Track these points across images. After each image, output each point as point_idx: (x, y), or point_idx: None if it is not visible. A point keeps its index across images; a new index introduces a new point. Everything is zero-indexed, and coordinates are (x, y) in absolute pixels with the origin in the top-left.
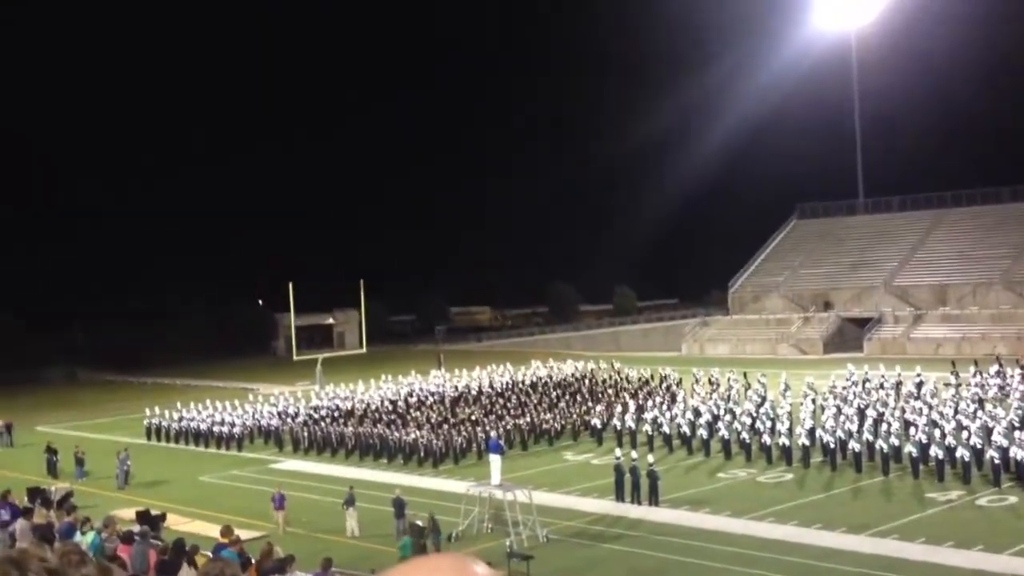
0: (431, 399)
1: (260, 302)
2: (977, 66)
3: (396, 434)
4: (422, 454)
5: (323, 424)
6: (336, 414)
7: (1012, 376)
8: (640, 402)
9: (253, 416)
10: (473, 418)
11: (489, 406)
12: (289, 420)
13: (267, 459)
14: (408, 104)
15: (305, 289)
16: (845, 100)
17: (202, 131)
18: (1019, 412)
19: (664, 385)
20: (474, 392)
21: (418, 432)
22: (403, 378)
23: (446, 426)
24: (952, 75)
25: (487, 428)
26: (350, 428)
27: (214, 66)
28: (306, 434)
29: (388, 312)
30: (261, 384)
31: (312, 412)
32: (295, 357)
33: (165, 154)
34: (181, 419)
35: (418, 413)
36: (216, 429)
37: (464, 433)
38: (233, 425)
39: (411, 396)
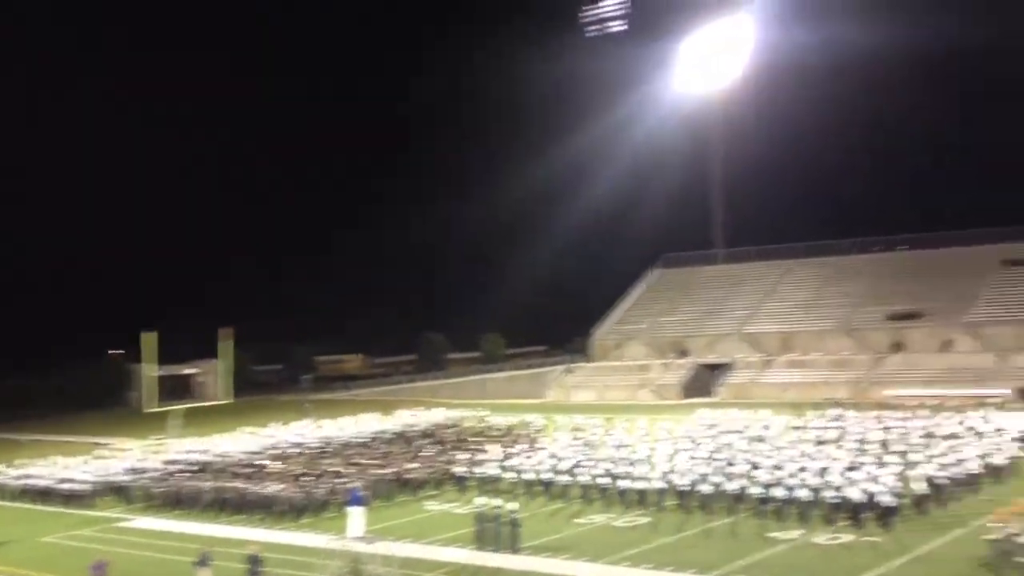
0: (292, 450)
1: (116, 353)
2: (827, 128)
3: (254, 487)
4: (281, 508)
5: (178, 478)
6: (193, 467)
7: (849, 419)
8: (504, 449)
9: (103, 471)
10: (335, 469)
11: (353, 456)
12: (141, 475)
13: (117, 517)
14: (273, 150)
15: (165, 339)
16: (705, 155)
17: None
18: (855, 454)
19: (527, 432)
20: (338, 442)
21: (277, 485)
22: (263, 429)
23: (306, 478)
24: (804, 136)
25: (350, 479)
26: (206, 482)
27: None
28: (160, 489)
29: (253, 361)
30: (114, 438)
31: (167, 466)
32: (151, 408)
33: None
34: (23, 476)
35: (278, 465)
36: (62, 486)
37: (326, 485)
38: (80, 481)
39: (271, 448)
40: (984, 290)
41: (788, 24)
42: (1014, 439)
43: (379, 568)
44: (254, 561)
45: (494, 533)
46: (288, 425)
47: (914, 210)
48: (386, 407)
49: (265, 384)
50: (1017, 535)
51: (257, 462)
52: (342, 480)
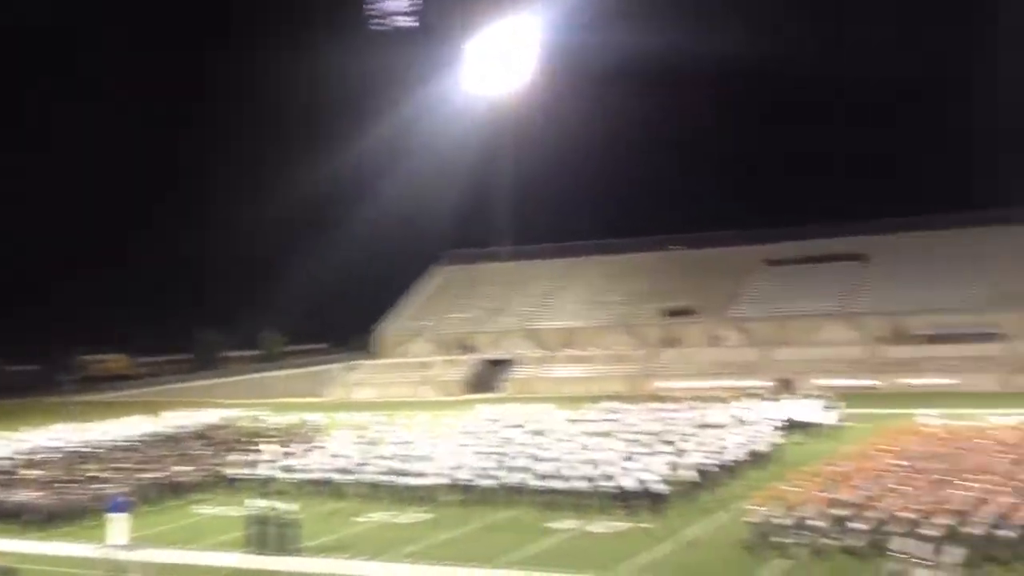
0: (49, 455)
1: None
2: (610, 130)
3: (2, 495)
4: (33, 516)
5: None
6: None
7: (625, 411)
8: (279, 449)
9: None
10: (96, 474)
11: (118, 460)
12: None
13: None
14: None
15: None
16: (492, 156)
17: None
18: (630, 444)
19: (304, 431)
20: (102, 446)
21: (31, 492)
22: (15, 433)
23: (60, 484)
24: (588, 137)
25: (114, 484)
26: None
27: None
28: None
29: (6, 361)
30: None
31: None
32: None
33: None
34: None
35: (32, 471)
36: None
37: (85, 491)
38: None
39: (27, 453)
40: (748, 288)
41: (574, 27)
42: (775, 427)
43: None
44: (5, 573)
45: (268, 535)
46: (47, 428)
47: (687, 211)
48: (156, 408)
49: (19, 386)
50: (775, 517)
51: (8, 467)
52: (105, 485)
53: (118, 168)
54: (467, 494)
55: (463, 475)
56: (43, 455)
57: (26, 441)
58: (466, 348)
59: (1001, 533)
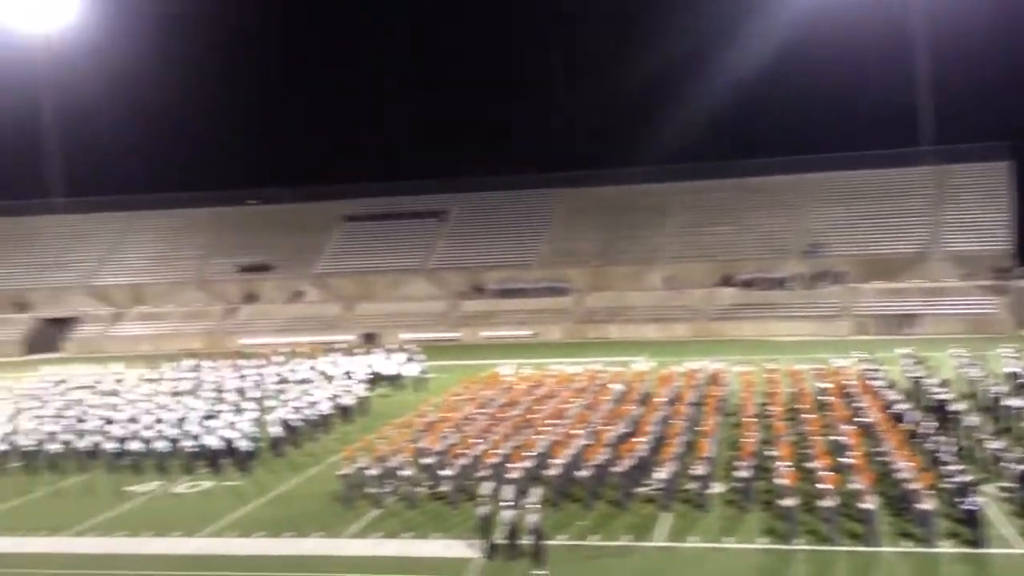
0: None
1: None
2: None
3: None
4: None
5: None
6: None
7: (205, 369)
8: None
9: None
10: None
11: None
12: None
13: None
14: None
15: None
16: (35, 100)
17: None
18: (211, 403)
19: None
20: None
21: None
22: None
23: None
24: (143, 79)
25: None
26: None
27: None
28: None
29: None
30: None
31: None
32: None
33: None
34: None
35: None
36: None
37: None
38: None
39: None
40: (329, 244)
41: None
42: (360, 381)
43: None
44: None
45: None
46: None
47: (261, 165)
48: None
49: None
50: (366, 468)
51: None
52: None
53: None
54: (31, 460)
55: (25, 440)
56: None
57: None
58: (20, 306)
59: (576, 474)
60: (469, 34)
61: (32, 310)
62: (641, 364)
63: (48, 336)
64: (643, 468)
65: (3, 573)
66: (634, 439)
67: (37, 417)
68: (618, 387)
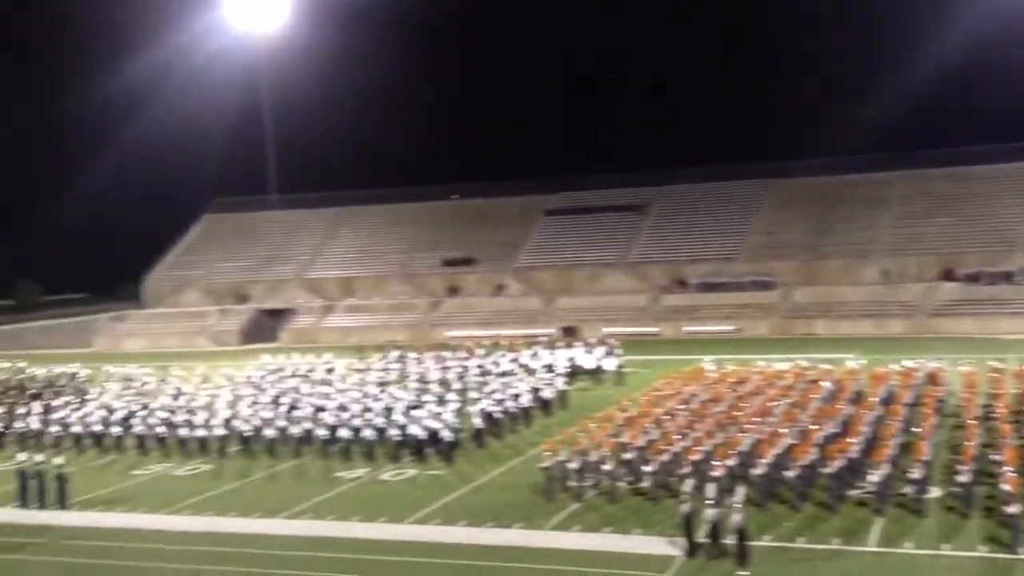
0: None
1: None
2: (377, 72)
3: None
4: None
5: None
6: None
7: (410, 360)
8: (45, 402)
9: None
10: None
11: None
12: None
13: None
14: None
15: None
16: (259, 98)
17: None
18: (416, 393)
19: (72, 383)
20: None
21: None
22: None
23: None
24: (355, 80)
25: None
26: None
27: None
28: None
29: None
30: None
31: None
32: None
33: None
34: None
35: None
36: None
37: None
38: None
39: None
40: (530, 238)
41: None
42: (560, 374)
43: None
44: None
45: (39, 489)
46: None
47: (465, 161)
48: None
49: None
50: (567, 462)
51: None
52: None
53: None
54: (249, 445)
55: (244, 426)
56: None
57: None
58: (240, 298)
59: (783, 474)
60: (675, 25)
61: (252, 301)
62: (852, 362)
63: (265, 326)
64: (854, 470)
65: (220, 552)
66: (845, 439)
67: (255, 404)
68: (828, 385)
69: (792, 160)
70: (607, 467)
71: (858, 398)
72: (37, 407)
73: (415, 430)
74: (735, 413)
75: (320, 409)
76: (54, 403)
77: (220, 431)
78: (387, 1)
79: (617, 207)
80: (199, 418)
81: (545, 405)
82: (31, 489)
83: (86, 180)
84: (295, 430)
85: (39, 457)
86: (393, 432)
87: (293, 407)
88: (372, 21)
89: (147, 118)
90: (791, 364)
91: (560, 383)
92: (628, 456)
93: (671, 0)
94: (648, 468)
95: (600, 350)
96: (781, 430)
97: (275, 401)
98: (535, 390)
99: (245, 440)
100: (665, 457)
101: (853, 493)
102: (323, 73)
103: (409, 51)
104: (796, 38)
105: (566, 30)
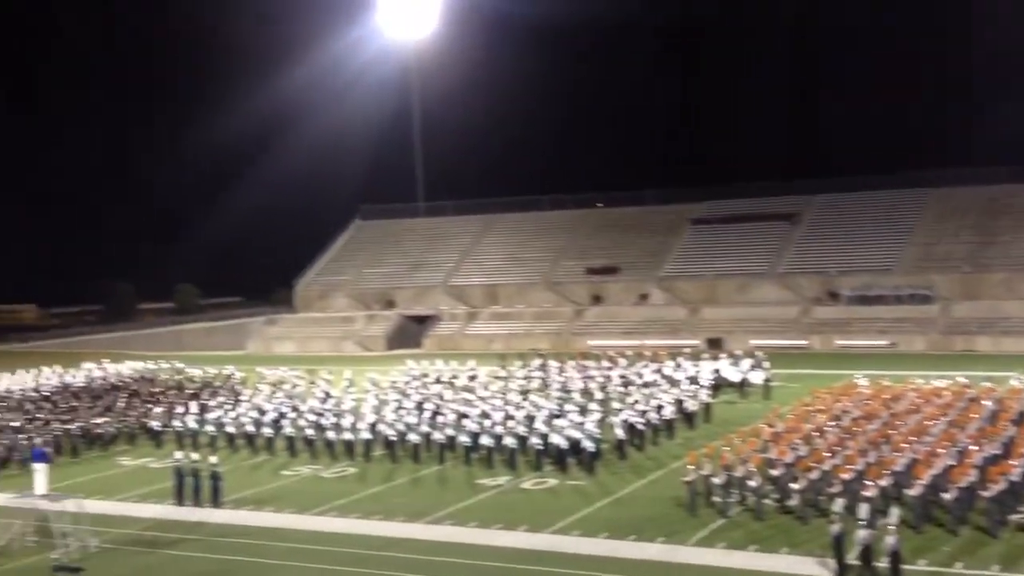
0: None
1: None
2: (523, 81)
3: None
4: None
5: None
6: None
7: (552, 369)
8: (202, 402)
9: None
10: (14, 425)
11: (34, 411)
12: None
13: None
14: None
15: None
16: (406, 106)
17: None
18: (558, 402)
19: (227, 384)
20: (16, 396)
21: None
22: None
23: None
24: (501, 88)
25: (31, 435)
26: None
27: None
28: None
29: None
30: None
31: None
32: None
33: None
34: None
35: None
36: None
37: (3, 441)
38: None
39: None
40: (675, 247)
41: None
42: (705, 386)
43: (67, 526)
44: None
45: (194, 487)
46: None
47: (607, 168)
48: (71, 359)
49: None
50: (711, 476)
51: None
52: (22, 436)
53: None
54: (393, 449)
55: (389, 431)
56: None
57: None
58: (386, 303)
59: (940, 496)
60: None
61: (397, 307)
62: (1016, 380)
63: (410, 332)
64: (1016, 493)
65: (365, 554)
66: (1007, 461)
67: (399, 409)
68: (989, 404)
69: (953, 168)
70: (753, 483)
71: (1021, 419)
72: (194, 407)
73: (556, 439)
74: (889, 431)
75: (463, 416)
76: (210, 403)
77: (366, 435)
78: (533, 9)
79: (767, 216)
80: (346, 421)
81: (688, 418)
82: (187, 487)
83: (243, 190)
84: (438, 436)
85: (195, 456)
86: (534, 441)
87: (436, 413)
88: (519, 29)
89: (299, 129)
90: (949, 381)
91: (704, 395)
92: (775, 472)
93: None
94: (796, 486)
95: (747, 362)
96: (939, 450)
97: (419, 407)
98: (678, 402)
99: (390, 444)
100: (814, 475)
101: (1014, 518)
102: (470, 80)
103: (554, 59)
104: (962, 42)
105: (711, 39)
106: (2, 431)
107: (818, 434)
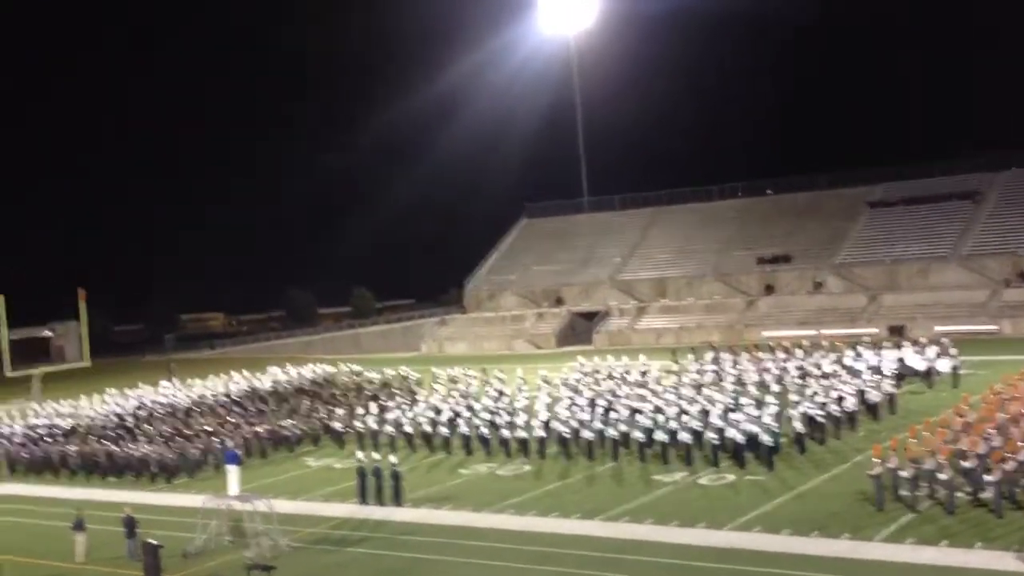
0: (161, 411)
1: None
2: (685, 73)
3: (124, 450)
4: (154, 469)
5: (42, 443)
6: (56, 432)
7: (725, 362)
8: (381, 403)
9: None
10: (208, 428)
11: (225, 415)
12: (3, 441)
13: None
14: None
15: (18, 300)
16: (568, 102)
17: None
18: (733, 396)
19: (404, 385)
20: (208, 401)
21: (148, 446)
22: (130, 391)
23: (179, 438)
24: (663, 81)
25: (223, 438)
26: (73, 446)
27: None
28: (24, 455)
29: (112, 321)
30: None
31: (30, 431)
32: (9, 373)
33: None
34: None
35: (148, 426)
36: None
37: (199, 445)
38: None
39: (140, 409)
40: (852, 232)
41: None
42: (888, 376)
43: (259, 525)
44: (128, 523)
45: (376, 486)
46: (155, 386)
47: (775, 154)
48: (256, 365)
49: (125, 344)
50: (898, 470)
51: (126, 424)
52: (216, 439)
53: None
54: (567, 447)
55: (562, 428)
56: (156, 411)
57: (139, 397)
58: (555, 301)
59: None
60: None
61: (566, 304)
62: None
63: (579, 329)
64: None
65: (544, 552)
66: None
67: (572, 406)
68: None
69: None
70: (944, 476)
71: None
72: (374, 408)
73: (733, 434)
74: None
75: (636, 411)
76: (388, 404)
77: (540, 432)
78: (692, 2)
79: (949, 195)
80: (520, 419)
81: (872, 409)
82: (369, 486)
83: (405, 190)
84: (612, 432)
85: (376, 456)
86: (710, 435)
87: (609, 409)
88: (679, 21)
89: (461, 128)
90: None
91: (888, 386)
92: (967, 464)
93: None
94: (990, 477)
95: (932, 350)
96: None
97: (591, 403)
98: (860, 393)
99: (563, 442)
100: (1009, 466)
101: None
102: (632, 73)
103: (721, 50)
104: None
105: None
106: (198, 436)
107: (1012, 423)
